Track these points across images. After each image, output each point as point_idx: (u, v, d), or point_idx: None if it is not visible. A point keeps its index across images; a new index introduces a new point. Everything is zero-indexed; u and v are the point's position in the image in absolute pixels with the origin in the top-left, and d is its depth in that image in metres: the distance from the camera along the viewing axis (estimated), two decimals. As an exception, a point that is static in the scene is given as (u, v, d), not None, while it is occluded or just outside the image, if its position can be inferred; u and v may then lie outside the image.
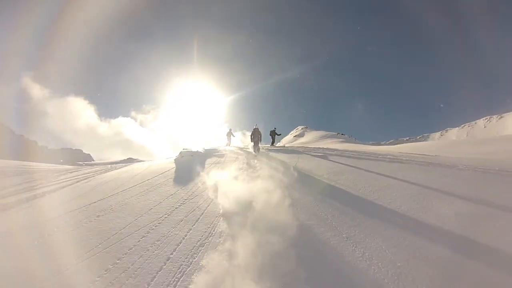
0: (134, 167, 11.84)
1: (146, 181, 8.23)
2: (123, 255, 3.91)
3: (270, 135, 18.55)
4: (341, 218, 4.98)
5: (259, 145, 14.10)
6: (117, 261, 3.75)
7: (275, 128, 18.61)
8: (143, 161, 17.06)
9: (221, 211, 5.47)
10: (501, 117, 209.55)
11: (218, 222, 4.99)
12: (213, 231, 4.63)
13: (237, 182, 7.56)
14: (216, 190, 6.86)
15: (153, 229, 4.75)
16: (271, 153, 13.21)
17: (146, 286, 3.21)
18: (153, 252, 3.98)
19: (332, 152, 13.39)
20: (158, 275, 3.43)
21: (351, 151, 14.30)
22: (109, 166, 13.88)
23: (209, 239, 4.34)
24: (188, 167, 10.12)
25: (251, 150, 14.10)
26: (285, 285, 3.20)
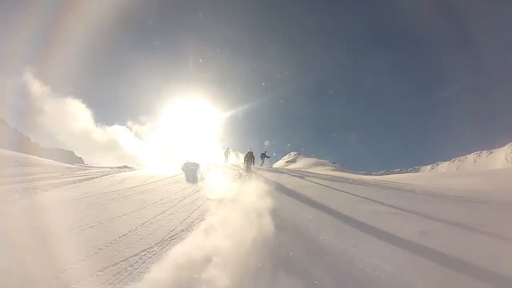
0: (144, 171, 14.91)
1: (165, 179, 11.05)
2: (162, 211, 6.59)
3: (261, 157, 20.76)
4: (292, 201, 7.71)
5: (252, 167, 15.72)
6: (159, 213, 6.37)
7: (265, 151, 21.17)
8: (140, 169, 18.74)
9: (209, 198, 8.04)
10: (491, 152, 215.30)
11: (208, 203, 7.51)
12: (204, 206, 7.00)
13: (224, 184, 10.46)
14: (209, 188, 9.49)
15: (178, 200, 7.58)
16: (259, 171, 15.37)
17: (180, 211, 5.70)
18: (178, 209, 6.75)
19: (310, 174, 15.65)
20: (183, 215, 5.95)
21: (329, 175, 16.45)
22: (107, 169, 15.86)
23: (203, 206, 6.57)
24: (191, 173, 12.70)
25: (243, 169, 15.74)
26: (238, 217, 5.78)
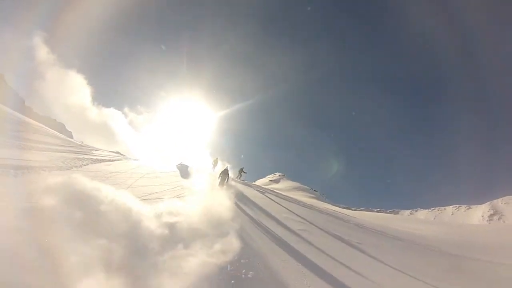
0: (148, 162, 20.65)
1: (167, 172, 15.89)
2: (168, 186, 10.73)
3: (239, 171, 24.64)
4: (243, 202, 11.46)
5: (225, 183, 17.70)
6: (168, 188, 10.63)
7: (243, 167, 24.99)
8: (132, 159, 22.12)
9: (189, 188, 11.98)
10: (469, 208, 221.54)
11: (187, 191, 11.50)
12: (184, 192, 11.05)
13: (202, 183, 14.41)
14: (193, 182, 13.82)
15: (175, 183, 11.60)
16: (233, 182, 19.29)
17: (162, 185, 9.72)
18: (174, 187, 10.74)
19: (271, 192, 20.03)
20: (164, 192, 9.96)
21: (287, 196, 20.73)
22: (113, 154, 20.67)
23: (181, 192, 10.74)
24: (184, 172, 17.28)
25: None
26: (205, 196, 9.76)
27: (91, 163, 13.00)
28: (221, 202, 10.44)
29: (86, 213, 5.31)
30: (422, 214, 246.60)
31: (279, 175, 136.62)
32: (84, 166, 11.56)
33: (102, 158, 15.81)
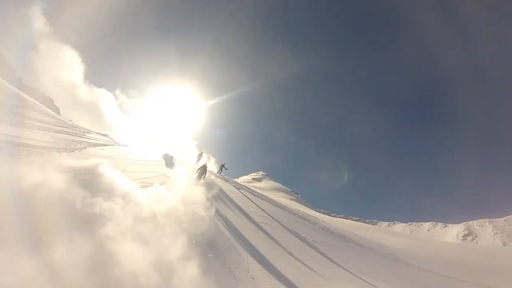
0: (138, 149, 21.64)
1: (155, 160, 17.60)
2: (139, 179, 12.42)
3: (220, 167, 26.20)
4: (218, 195, 13.12)
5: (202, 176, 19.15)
6: (154, 175, 12.38)
7: (224, 163, 26.71)
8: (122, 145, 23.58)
9: (171, 177, 13.48)
10: (445, 226, 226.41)
11: (169, 179, 13.04)
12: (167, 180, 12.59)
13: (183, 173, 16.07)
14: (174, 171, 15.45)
15: (160, 171, 13.17)
16: (212, 177, 20.94)
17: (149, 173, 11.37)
18: (159, 174, 12.37)
19: (247, 190, 21.66)
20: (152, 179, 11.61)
21: (261, 195, 22.45)
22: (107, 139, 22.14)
23: (165, 180, 12.33)
24: (169, 162, 18.98)
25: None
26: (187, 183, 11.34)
27: (88, 146, 14.54)
28: (198, 192, 12.01)
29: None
30: (399, 227, 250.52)
31: (262, 174, 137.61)
32: (83, 149, 13.16)
33: (96, 142, 17.42)
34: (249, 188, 24.61)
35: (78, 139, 15.99)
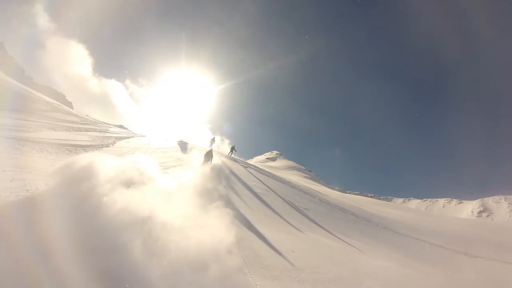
0: (156, 139, 24.11)
1: (172, 147, 20.30)
2: (172, 158, 15.29)
3: (230, 149, 28.77)
4: (226, 173, 16.14)
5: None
6: (172, 159, 15.19)
7: (234, 145, 29.75)
8: (140, 135, 26.85)
9: (187, 161, 16.21)
10: (460, 202, 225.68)
11: (183, 162, 15.82)
12: (182, 162, 15.38)
13: (196, 157, 18.78)
14: (189, 156, 18.05)
15: (177, 156, 16.09)
16: (222, 158, 23.94)
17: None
18: (177, 158, 15.19)
19: (255, 168, 24.15)
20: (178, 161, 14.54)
21: (268, 173, 24.98)
22: (123, 131, 24.93)
23: (181, 164, 15.21)
24: (183, 147, 21.80)
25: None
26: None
27: (116, 140, 17.67)
28: (205, 171, 14.68)
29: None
30: (414, 203, 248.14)
31: (276, 153, 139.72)
32: (115, 144, 16.29)
33: (120, 135, 20.49)
34: (257, 167, 27.49)
35: (106, 134, 19.20)
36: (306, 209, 15.75)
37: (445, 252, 15.24)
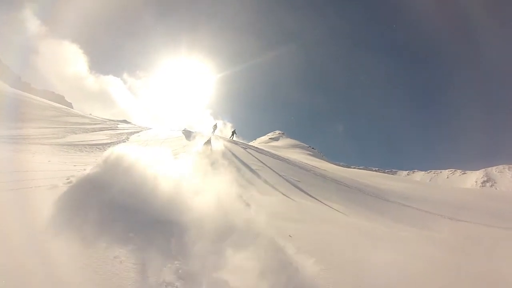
0: (162, 130, 26.24)
1: (177, 137, 22.64)
2: (179, 145, 17.49)
3: (232, 133, 30.86)
4: (227, 154, 18.38)
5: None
6: (179, 147, 17.30)
7: (234, 130, 32.03)
8: (147, 128, 29.05)
9: (190, 146, 18.50)
10: (464, 173, 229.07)
11: (191, 149, 18.09)
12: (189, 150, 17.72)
13: (199, 143, 21.13)
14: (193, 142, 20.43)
15: (183, 143, 18.52)
16: (225, 142, 26.20)
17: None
18: (183, 145, 17.56)
19: (255, 149, 26.45)
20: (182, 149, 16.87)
21: (268, 152, 27.12)
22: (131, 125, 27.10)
23: (185, 148, 17.52)
24: (187, 136, 24.11)
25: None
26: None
27: (128, 135, 20.10)
28: (213, 153, 16.70)
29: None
30: (418, 175, 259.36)
31: (279, 133, 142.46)
32: (129, 139, 18.75)
33: (129, 131, 22.91)
34: (257, 148, 29.93)
35: (118, 131, 21.61)
36: (298, 181, 17.58)
37: (430, 217, 15.78)
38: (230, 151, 21.12)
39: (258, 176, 16.16)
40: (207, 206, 6.02)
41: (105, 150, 13.25)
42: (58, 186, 6.29)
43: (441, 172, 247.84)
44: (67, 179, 6.69)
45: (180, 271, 4.17)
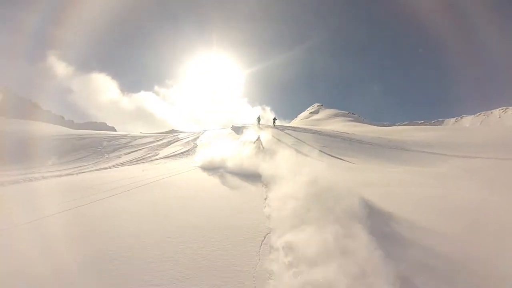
0: (212, 131, 31.26)
1: (229, 133, 28.49)
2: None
3: (273, 120, 35.00)
4: (269, 136, 23.60)
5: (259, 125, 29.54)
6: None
7: (275, 117, 35.27)
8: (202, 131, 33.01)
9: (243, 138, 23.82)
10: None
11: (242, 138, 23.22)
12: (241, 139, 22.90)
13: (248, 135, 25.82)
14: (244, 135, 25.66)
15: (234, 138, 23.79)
16: (269, 129, 30.03)
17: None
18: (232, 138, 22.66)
19: (291, 129, 31.88)
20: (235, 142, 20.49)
21: (305, 129, 32.20)
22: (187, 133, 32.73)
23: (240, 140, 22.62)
24: (236, 130, 29.22)
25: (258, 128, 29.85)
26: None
27: (193, 141, 25.11)
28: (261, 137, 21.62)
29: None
30: (467, 120, 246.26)
31: (318, 106, 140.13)
32: (195, 148, 22.66)
33: (190, 138, 27.21)
34: (294, 127, 33.88)
35: (184, 140, 26.05)
36: (324, 146, 21.08)
37: (442, 158, 16.44)
38: (274, 137, 24.47)
39: (290, 147, 19.66)
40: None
41: (191, 156, 18.63)
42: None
43: (491, 112, 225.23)
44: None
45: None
